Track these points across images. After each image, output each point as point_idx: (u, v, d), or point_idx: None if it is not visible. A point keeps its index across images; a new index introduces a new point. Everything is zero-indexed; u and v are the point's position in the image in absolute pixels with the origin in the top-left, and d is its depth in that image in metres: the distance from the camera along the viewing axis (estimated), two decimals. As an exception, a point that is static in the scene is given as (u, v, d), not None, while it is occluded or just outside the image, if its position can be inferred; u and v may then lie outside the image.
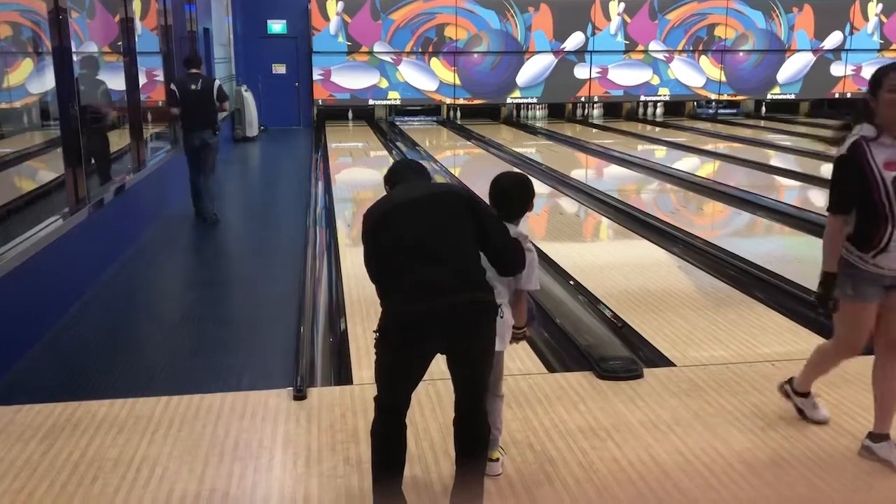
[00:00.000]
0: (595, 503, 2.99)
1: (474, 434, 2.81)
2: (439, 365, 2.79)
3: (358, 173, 12.65)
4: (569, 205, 9.41)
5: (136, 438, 3.44)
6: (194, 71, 7.92)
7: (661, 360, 4.40)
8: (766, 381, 4.06)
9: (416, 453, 3.29)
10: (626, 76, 18.88)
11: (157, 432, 3.50)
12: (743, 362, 4.33)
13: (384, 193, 2.93)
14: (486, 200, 3.05)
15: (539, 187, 10.22)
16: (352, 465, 3.22)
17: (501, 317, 2.91)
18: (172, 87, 8.07)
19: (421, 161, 3.39)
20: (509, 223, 3.01)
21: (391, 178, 3.03)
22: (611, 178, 11.75)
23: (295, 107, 17.70)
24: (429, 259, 2.66)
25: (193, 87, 7.78)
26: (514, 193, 3.07)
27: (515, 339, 3.10)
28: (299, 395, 3.84)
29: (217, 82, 8.05)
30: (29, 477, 3.13)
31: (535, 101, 18.87)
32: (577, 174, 11.74)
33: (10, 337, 4.36)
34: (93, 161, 6.68)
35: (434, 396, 3.74)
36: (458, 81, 18.19)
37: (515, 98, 18.67)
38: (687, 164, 12.62)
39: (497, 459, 3.15)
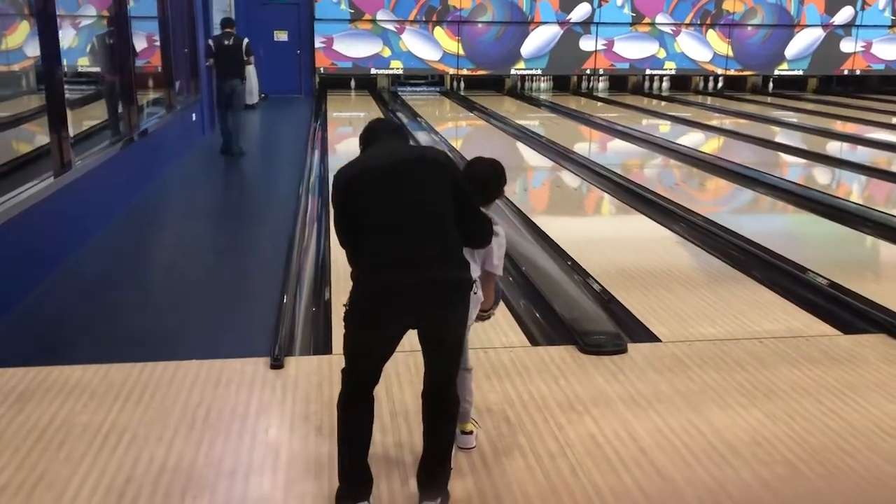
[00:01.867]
0: (568, 478, 2.93)
1: (443, 408, 2.75)
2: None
3: (356, 143, 12.48)
4: (569, 179, 9.30)
5: (108, 405, 3.39)
6: (228, 30, 9.89)
7: (647, 337, 4.33)
8: (752, 359, 3.99)
9: (390, 426, 3.24)
10: (633, 49, 18.65)
11: (129, 399, 3.45)
12: (730, 339, 4.26)
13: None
14: None
15: (540, 161, 10.44)
16: (324, 435, 3.17)
17: (475, 293, 2.84)
18: (209, 42, 10.15)
19: (402, 125, 3.28)
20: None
21: (366, 138, 2.88)
22: (613, 152, 11.62)
23: (296, 75, 17.52)
24: (406, 232, 2.56)
25: (226, 42, 9.78)
26: (487, 180, 2.99)
27: (480, 318, 3.04)
28: (276, 364, 3.79)
29: (246, 40, 9.95)
30: (-5, 442, 3.09)
31: (539, 72, 18.67)
32: (579, 148, 11.63)
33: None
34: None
35: (413, 368, 3.67)
36: (461, 51, 17.98)
37: (520, 69, 18.47)
38: (691, 139, 12.47)
39: (470, 432, 3.09)
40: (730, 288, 5.13)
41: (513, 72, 18.47)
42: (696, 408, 3.47)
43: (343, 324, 2.64)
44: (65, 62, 6.07)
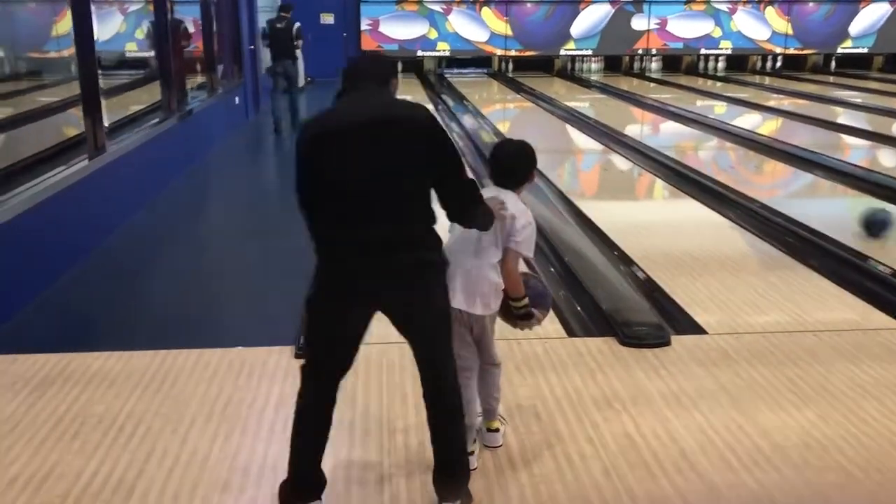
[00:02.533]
0: (600, 481, 2.74)
1: (441, 405, 2.50)
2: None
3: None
4: (618, 162, 9.00)
5: (126, 394, 3.31)
6: (283, 14, 10.49)
7: (692, 328, 4.09)
8: (806, 353, 3.73)
9: (414, 423, 3.08)
10: (687, 28, 18.12)
11: (148, 388, 3.36)
12: (782, 331, 3.99)
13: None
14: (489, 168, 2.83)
15: (589, 144, 10.13)
16: (344, 428, 3.03)
17: (442, 271, 2.50)
18: (264, 25, 10.78)
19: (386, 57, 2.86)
20: (510, 192, 2.76)
21: (343, 82, 2.48)
22: (666, 135, 11.25)
23: (342, 58, 17.39)
24: (363, 207, 2.30)
25: (279, 25, 10.35)
26: (515, 165, 2.80)
27: (520, 318, 2.80)
28: (300, 354, 3.65)
29: (297, 24, 10.50)
30: (10, 431, 3.02)
31: (589, 53, 18.27)
32: (630, 130, 11.27)
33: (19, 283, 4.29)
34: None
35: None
36: (509, 32, 17.68)
37: (569, 50, 18.09)
38: (747, 121, 12.02)
39: (497, 429, 2.91)
40: (784, 276, 4.84)
41: (562, 52, 18.11)
42: (742, 406, 3.24)
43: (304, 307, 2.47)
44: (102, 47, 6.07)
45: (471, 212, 2.48)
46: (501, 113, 13.83)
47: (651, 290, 4.64)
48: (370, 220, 2.32)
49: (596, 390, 3.37)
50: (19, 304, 4.26)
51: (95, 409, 3.18)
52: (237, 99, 10.67)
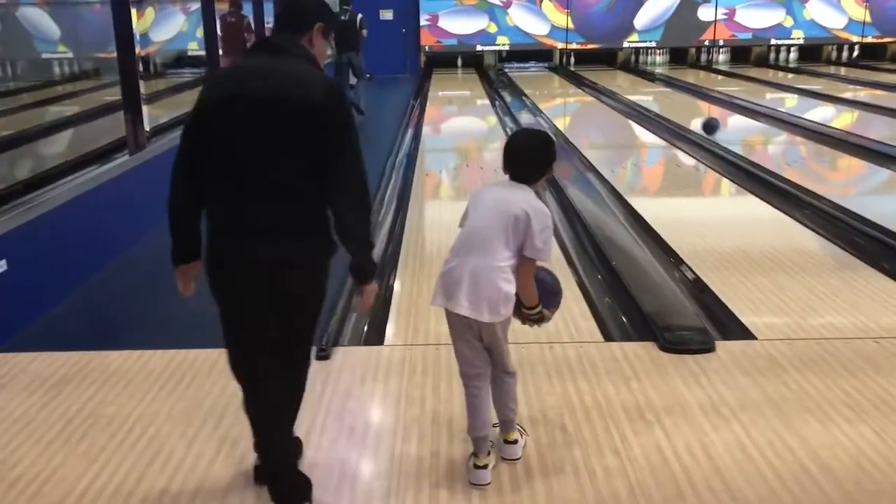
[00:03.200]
0: (623, 500, 2.52)
1: (263, 408, 2.42)
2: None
3: (452, 123, 12.21)
4: (679, 158, 8.62)
5: (140, 394, 3.23)
6: (345, 7, 10.92)
7: (741, 333, 3.81)
8: (865, 362, 3.42)
9: (429, 433, 2.91)
10: (756, 18, 17.44)
11: (163, 388, 3.28)
12: (839, 338, 3.68)
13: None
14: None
15: (649, 139, 9.71)
16: (356, 438, 2.88)
17: (321, 260, 2.36)
18: None
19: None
20: (524, 185, 2.56)
21: (274, 28, 2.41)
22: (733, 129, 10.69)
23: (401, 54, 17.36)
24: (251, 186, 2.19)
25: (343, 17, 10.63)
26: (525, 154, 2.60)
27: (530, 320, 2.62)
28: (322, 355, 3.53)
29: (360, 15, 10.93)
30: (20, 431, 2.96)
31: (654, 45, 17.75)
32: (694, 125, 10.74)
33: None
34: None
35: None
36: (571, 25, 17.32)
37: (633, 42, 17.63)
38: (820, 114, 11.46)
39: (514, 441, 2.72)
40: (848, 279, 4.49)
41: (625, 45, 17.64)
42: (788, 420, 2.97)
43: None
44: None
45: (346, 221, 2.26)
46: (561, 108, 13.54)
47: (700, 291, 4.37)
48: (259, 200, 2.20)
49: (629, 399, 3.14)
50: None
51: (107, 409, 3.11)
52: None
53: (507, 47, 17.59)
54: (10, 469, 2.73)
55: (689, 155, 8.49)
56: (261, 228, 2.22)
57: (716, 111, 12.27)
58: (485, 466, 2.57)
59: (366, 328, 4.00)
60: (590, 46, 17.60)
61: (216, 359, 3.52)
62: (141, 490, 2.60)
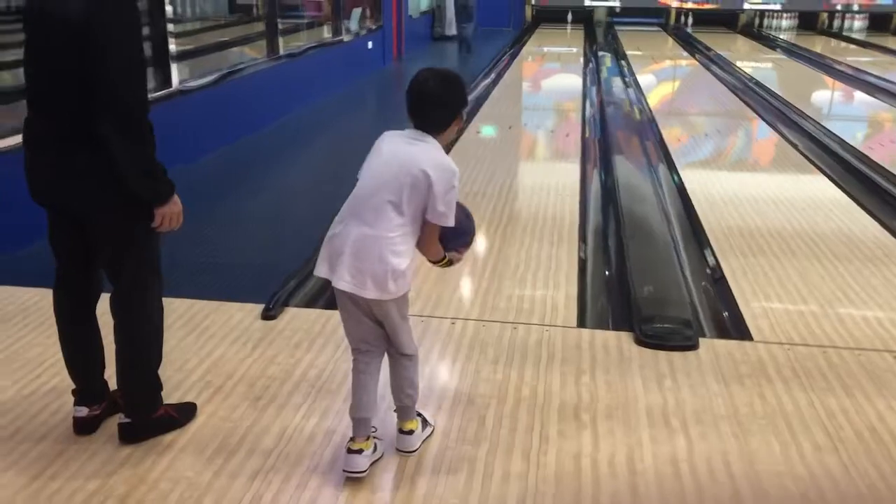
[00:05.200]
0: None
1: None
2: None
3: (534, 81, 11.67)
4: (753, 130, 7.90)
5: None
6: None
7: (738, 331, 3.37)
8: (869, 380, 2.94)
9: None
10: (900, -21, 15.81)
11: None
12: (850, 348, 3.18)
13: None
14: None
15: (747, 116, 8.67)
16: (258, 407, 2.69)
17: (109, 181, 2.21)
18: None
19: None
20: (429, 136, 2.24)
21: None
22: (853, 109, 9.68)
23: (506, 7, 16.81)
24: (39, 98, 2.25)
25: None
26: (431, 98, 2.24)
27: (441, 264, 2.36)
28: (268, 315, 3.35)
29: None
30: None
31: (778, 7, 16.43)
32: (807, 102, 9.59)
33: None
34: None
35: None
36: (688, -18, 16.26)
37: (755, 4, 16.38)
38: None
39: (410, 432, 2.44)
40: (891, 279, 3.91)
41: (747, 6, 16.41)
42: (745, 439, 2.55)
43: None
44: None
45: (101, 129, 2.14)
46: (660, 74, 12.59)
47: (714, 279, 3.91)
48: (40, 110, 2.25)
49: (571, 396, 2.80)
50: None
51: (40, 349, 3.05)
52: (370, 44, 10.46)
53: (618, 3, 16.72)
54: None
55: (784, 136, 7.57)
56: (44, 135, 2.28)
57: (838, 86, 11.16)
58: (359, 451, 2.31)
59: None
60: (708, 6, 16.49)
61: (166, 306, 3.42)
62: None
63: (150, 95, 2.19)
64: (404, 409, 2.44)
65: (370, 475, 2.33)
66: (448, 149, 2.32)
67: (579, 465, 2.42)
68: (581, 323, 3.40)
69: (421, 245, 2.27)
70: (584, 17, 17.09)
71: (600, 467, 2.41)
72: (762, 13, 16.73)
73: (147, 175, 2.22)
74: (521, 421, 2.65)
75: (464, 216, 2.37)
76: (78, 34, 2.10)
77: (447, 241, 2.32)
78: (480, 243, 4.31)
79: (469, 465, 2.42)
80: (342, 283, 2.21)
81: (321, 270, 2.28)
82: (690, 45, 14.51)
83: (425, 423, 2.54)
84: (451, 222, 2.23)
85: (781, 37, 16.08)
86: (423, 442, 2.49)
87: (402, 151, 2.24)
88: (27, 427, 2.57)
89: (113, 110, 2.13)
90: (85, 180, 2.21)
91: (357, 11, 10.37)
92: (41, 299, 3.32)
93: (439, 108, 2.26)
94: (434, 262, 2.36)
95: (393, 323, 2.30)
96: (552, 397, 2.79)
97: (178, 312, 3.38)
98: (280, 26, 7.78)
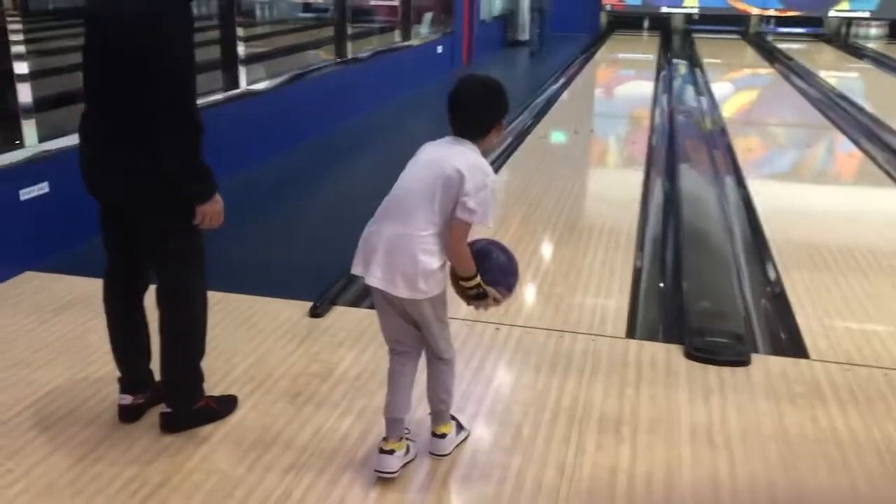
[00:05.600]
0: (540, 523, 2.18)
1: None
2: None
3: (604, 87, 11.49)
4: (833, 141, 7.60)
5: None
6: None
7: (795, 349, 3.23)
8: (932, 407, 2.78)
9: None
10: None
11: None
12: (915, 372, 3.02)
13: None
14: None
15: (827, 130, 8.23)
16: (296, 404, 2.71)
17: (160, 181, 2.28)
18: None
19: None
20: (469, 141, 2.23)
21: None
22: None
23: (581, 13, 16.63)
24: (97, 97, 2.31)
25: None
26: (472, 105, 2.25)
27: (471, 298, 2.26)
28: (316, 313, 3.39)
29: None
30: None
31: (867, 16, 15.79)
32: (894, 116, 9.05)
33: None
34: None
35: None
36: (769, -12, 15.79)
37: (842, 11, 15.78)
38: None
39: (443, 435, 2.43)
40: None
41: (832, 14, 15.83)
42: (792, 462, 2.45)
43: None
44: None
45: (150, 127, 2.19)
46: (736, 84, 12.22)
47: (774, 294, 3.77)
48: (93, 106, 2.31)
49: (613, 408, 2.74)
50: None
51: (84, 335, 3.15)
52: (440, 48, 10.48)
53: (696, 10, 16.36)
54: None
55: (859, 147, 7.22)
56: (102, 134, 2.35)
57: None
58: (391, 452, 2.30)
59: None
60: (791, 14, 15.99)
61: (212, 301, 3.48)
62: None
63: (219, 96, 2.26)
64: (438, 414, 2.43)
65: (401, 476, 2.32)
66: (485, 154, 2.29)
67: (614, 480, 2.36)
68: (630, 333, 3.32)
69: (449, 250, 2.20)
70: (661, 24, 16.78)
71: (636, 483, 2.35)
72: (848, 21, 16.10)
73: (191, 173, 2.27)
74: (558, 431, 2.60)
75: (509, 258, 2.33)
76: (132, 34, 2.16)
77: (491, 272, 2.24)
78: (534, 247, 4.27)
79: (501, 472, 2.39)
80: (373, 279, 2.21)
81: (357, 268, 2.28)
82: (772, 55, 14.07)
83: (460, 427, 2.52)
84: (480, 220, 2.17)
85: (870, 46, 15.45)
86: (456, 446, 2.47)
87: (438, 155, 2.24)
88: (77, 411, 2.66)
89: (163, 109, 2.18)
90: (131, 177, 2.27)
91: (428, 15, 10.43)
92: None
93: (479, 114, 2.25)
94: (465, 288, 2.24)
95: (428, 324, 2.28)
96: (593, 408, 2.74)
97: (232, 307, 3.46)
98: (350, 31, 7.87)
